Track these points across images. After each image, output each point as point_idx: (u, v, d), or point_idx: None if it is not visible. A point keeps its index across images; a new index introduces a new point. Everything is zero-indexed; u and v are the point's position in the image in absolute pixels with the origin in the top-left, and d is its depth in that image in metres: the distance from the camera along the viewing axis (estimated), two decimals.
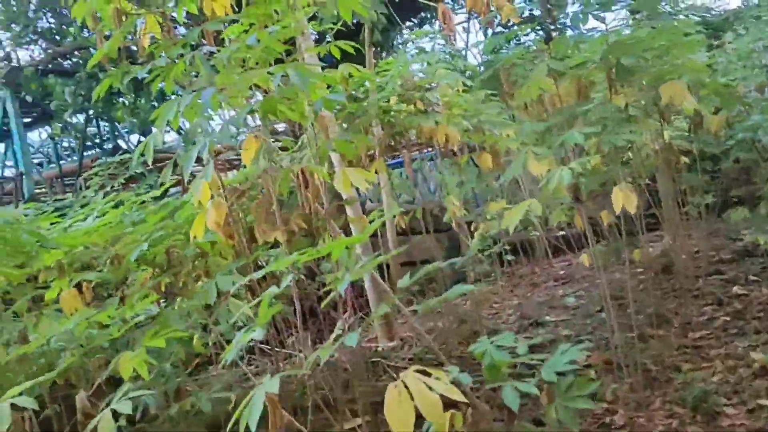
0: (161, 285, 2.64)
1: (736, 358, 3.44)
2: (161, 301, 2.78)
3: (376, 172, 4.14)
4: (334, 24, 4.27)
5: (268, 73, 1.87)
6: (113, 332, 2.26)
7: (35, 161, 11.77)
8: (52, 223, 3.09)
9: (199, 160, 2.33)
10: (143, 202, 3.03)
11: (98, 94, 2.07)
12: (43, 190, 9.03)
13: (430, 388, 1.39)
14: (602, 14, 2.48)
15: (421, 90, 3.37)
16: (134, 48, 2.68)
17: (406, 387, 1.41)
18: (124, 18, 2.06)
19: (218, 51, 1.84)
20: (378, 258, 1.71)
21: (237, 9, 2.37)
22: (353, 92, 3.43)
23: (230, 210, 2.10)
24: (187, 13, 2.95)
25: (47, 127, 9.46)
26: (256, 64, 1.84)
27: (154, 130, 2.52)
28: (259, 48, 1.78)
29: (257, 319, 1.45)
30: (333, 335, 3.08)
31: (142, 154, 2.04)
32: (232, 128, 2.23)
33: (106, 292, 3.46)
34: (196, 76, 2.21)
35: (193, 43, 2.11)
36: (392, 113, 3.40)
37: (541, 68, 2.47)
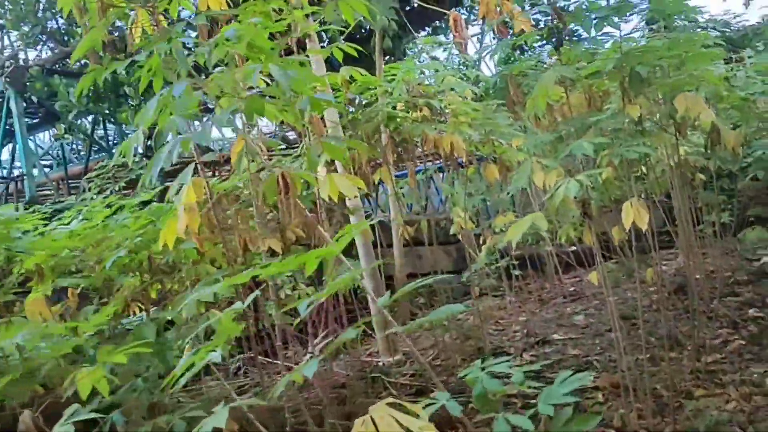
0: (149, 293, 2.54)
1: (752, 385, 3.28)
2: (148, 310, 2.68)
3: (380, 182, 4.03)
4: (345, 28, 4.18)
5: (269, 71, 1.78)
6: (62, 347, 2.11)
7: (45, 163, 11.75)
8: (44, 225, 3.00)
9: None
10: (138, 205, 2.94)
11: (80, 91, 1.98)
12: (50, 192, 9.00)
13: (402, 425, 1.26)
14: (617, 20, 2.35)
15: (427, 97, 3.26)
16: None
17: (373, 423, 1.28)
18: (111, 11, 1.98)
19: (197, 46, 1.73)
20: (351, 273, 1.59)
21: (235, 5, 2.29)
22: (358, 97, 3.33)
23: (217, 216, 1.99)
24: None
25: (54, 129, 9.44)
26: (247, 60, 1.74)
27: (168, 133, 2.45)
28: (244, 44, 1.67)
29: (215, 339, 1.32)
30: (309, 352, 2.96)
31: (123, 156, 1.95)
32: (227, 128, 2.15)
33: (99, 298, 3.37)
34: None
35: (185, 40, 2.01)
36: (398, 120, 3.29)
37: (549, 75, 2.36)
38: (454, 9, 4.74)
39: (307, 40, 3.79)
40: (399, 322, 5.97)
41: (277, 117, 2.02)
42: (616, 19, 2.39)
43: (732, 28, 6.59)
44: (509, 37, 3.64)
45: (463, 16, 10.66)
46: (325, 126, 3.59)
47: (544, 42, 5.71)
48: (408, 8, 7.68)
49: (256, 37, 1.63)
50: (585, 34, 2.95)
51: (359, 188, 4.54)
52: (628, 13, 2.30)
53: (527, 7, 7.41)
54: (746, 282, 5.28)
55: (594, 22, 2.29)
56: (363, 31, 7.05)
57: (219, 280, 2.32)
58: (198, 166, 2.06)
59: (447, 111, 3.51)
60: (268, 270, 1.21)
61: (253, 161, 2.13)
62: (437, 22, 8.62)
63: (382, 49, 5.81)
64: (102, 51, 2.05)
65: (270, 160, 3.78)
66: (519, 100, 2.67)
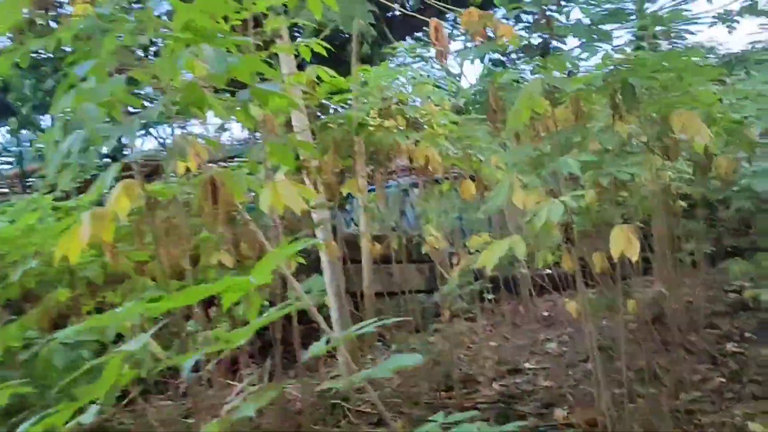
0: (79, 307, 2.26)
1: (733, 429, 3.07)
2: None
3: (349, 196, 3.78)
4: (321, 29, 3.95)
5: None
6: None
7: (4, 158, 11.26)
8: None
9: None
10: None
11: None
12: (6, 190, 8.57)
13: None
14: (608, 30, 2.15)
15: (402, 104, 3.03)
16: None
17: None
18: None
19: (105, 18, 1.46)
20: (283, 309, 1.34)
21: None
22: (325, 102, 3.09)
23: (152, 225, 1.73)
24: None
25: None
26: (188, 46, 1.49)
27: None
28: (179, 23, 1.42)
29: (94, 387, 1.02)
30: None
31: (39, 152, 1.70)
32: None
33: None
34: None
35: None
36: (369, 128, 3.05)
37: (535, 84, 2.14)
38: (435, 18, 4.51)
39: (278, 40, 3.55)
40: (365, 344, 5.70)
41: (226, 114, 1.77)
42: (607, 27, 2.18)
43: (717, 53, 6.50)
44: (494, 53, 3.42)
45: (447, 31, 10.49)
46: (291, 131, 3.34)
47: (526, 56, 5.54)
48: (390, 15, 7.48)
49: (196, 15, 1.37)
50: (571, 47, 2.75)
51: (330, 200, 4.30)
52: (623, 22, 2.10)
53: (511, 22, 7.26)
54: (724, 314, 5.12)
55: (585, 28, 2.08)
56: (341, 35, 6.82)
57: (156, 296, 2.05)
58: (134, 166, 1.79)
59: (423, 121, 3.28)
60: (158, 306, 0.95)
61: (199, 167, 1.87)
62: (420, 32, 8.44)
63: (359, 56, 5.58)
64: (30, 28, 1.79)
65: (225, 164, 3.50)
66: (500, 112, 2.46)
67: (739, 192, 4.64)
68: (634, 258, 1.97)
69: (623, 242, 1.93)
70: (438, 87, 4.70)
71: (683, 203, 5.12)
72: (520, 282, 6.09)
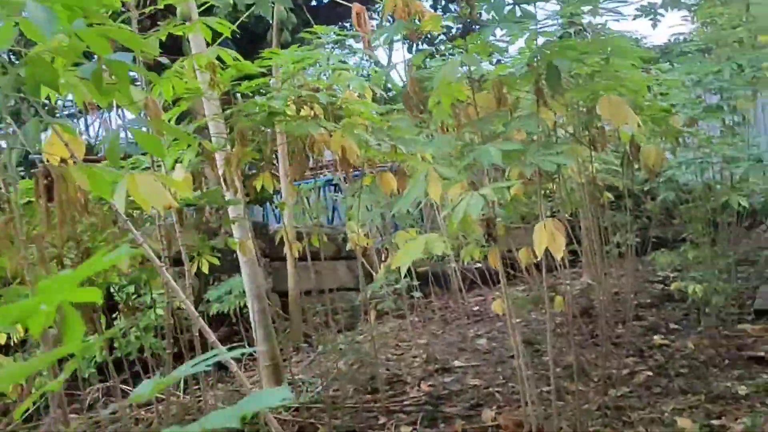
0: None
1: (662, 425, 3.01)
2: None
3: (268, 191, 3.53)
4: (234, 13, 3.67)
5: None
6: None
7: None
8: None
9: None
10: None
11: None
12: None
13: None
14: (532, 9, 1.98)
15: (315, 91, 2.80)
16: None
17: None
18: None
19: None
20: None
21: None
22: (230, 88, 2.83)
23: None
24: None
25: None
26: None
27: None
28: None
29: None
30: None
31: None
32: None
33: None
34: None
35: None
36: (280, 118, 2.81)
37: (451, 66, 1.95)
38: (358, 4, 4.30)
39: (189, 22, 3.27)
40: (291, 345, 5.45)
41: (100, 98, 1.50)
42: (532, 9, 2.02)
43: (641, 46, 6.55)
44: (418, 43, 3.22)
45: (374, 21, 10.27)
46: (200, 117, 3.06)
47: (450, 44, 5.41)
48: (314, 4, 7.22)
49: None
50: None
51: (247, 195, 4.01)
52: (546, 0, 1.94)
53: (440, 11, 7.14)
54: (650, 305, 5.14)
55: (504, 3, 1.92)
56: (263, 24, 6.53)
57: None
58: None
59: (341, 111, 3.06)
60: None
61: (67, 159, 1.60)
62: (348, 21, 8.21)
63: (280, 44, 5.32)
64: None
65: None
66: (417, 99, 2.27)
67: (664, 183, 4.64)
68: (559, 255, 1.82)
69: (547, 238, 1.78)
70: (363, 77, 4.50)
71: (610, 195, 5.11)
72: (450, 277, 5.96)
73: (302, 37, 3.70)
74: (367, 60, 8.35)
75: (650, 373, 3.63)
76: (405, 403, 3.73)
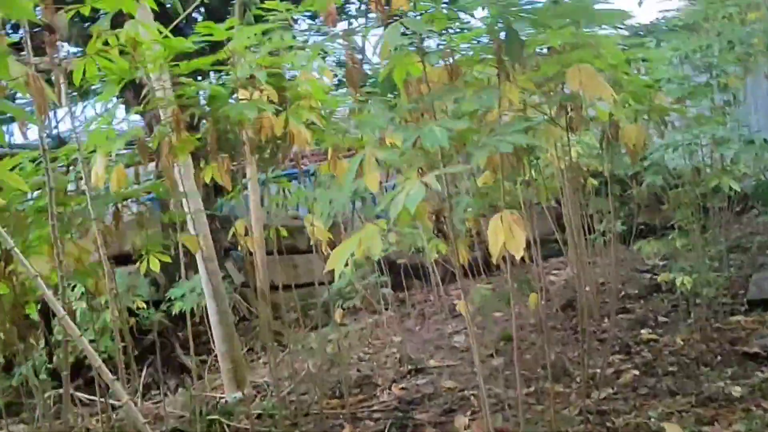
0: None
1: (648, 431, 2.75)
2: None
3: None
4: None
5: None
6: None
7: None
8: None
9: None
10: None
11: None
12: None
13: None
14: None
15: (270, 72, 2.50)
16: None
17: None
18: None
19: None
20: None
21: None
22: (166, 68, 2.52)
23: None
24: None
25: None
26: None
27: None
28: None
29: None
30: None
31: None
32: None
33: None
34: None
35: None
36: (222, 100, 2.51)
37: (392, 31, 1.65)
38: None
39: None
40: (259, 346, 5.17)
41: None
42: None
43: (625, 24, 6.26)
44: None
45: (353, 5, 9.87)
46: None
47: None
48: None
49: None
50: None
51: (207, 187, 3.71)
52: None
53: None
54: (637, 297, 4.88)
55: None
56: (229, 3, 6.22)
57: None
58: None
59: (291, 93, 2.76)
60: None
61: None
62: None
63: (244, 22, 4.99)
64: None
65: None
66: (356, 74, 1.97)
67: (651, 167, 4.37)
68: (519, 254, 1.54)
69: (504, 234, 1.50)
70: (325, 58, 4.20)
71: (594, 181, 4.84)
72: (428, 270, 5.68)
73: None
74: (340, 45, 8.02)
75: (637, 372, 3.37)
76: (374, 408, 3.47)
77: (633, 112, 2.65)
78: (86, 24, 5.07)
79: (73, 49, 5.90)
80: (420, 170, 1.67)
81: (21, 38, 2.35)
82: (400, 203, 1.39)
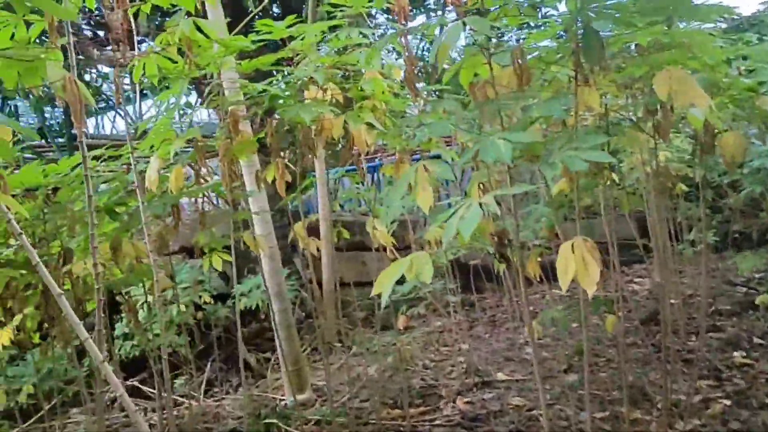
0: None
1: None
2: None
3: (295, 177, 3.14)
4: None
5: None
6: None
7: None
8: None
9: None
10: None
11: None
12: None
13: None
14: None
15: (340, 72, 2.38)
16: None
17: None
18: None
19: None
20: None
21: None
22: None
23: None
24: None
25: None
26: None
27: None
28: None
29: None
30: None
31: None
32: None
33: None
34: None
35: None
36: (281, 101, 2.41)
37: (453, 31, 1.46)
38: None
39: None
40: (323, 347, 5.10)
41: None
42: None
43: (725, 17, 5.79)
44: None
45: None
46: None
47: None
48: None
49: None
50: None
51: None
52: None
53: None
54: (730, 313, 4.49)
55: None
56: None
57: None
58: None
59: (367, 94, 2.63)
60: None
61: None
62: None
63: (316, 17, 4.91)
64: None
65: None
66: (412, 75, 1.81)
67: (750, 174, 3.98)
68: (591, 290, 1.34)
69: (576, 265, 1.31)
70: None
71: (684, 186, 4.48)
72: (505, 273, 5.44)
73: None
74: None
75: (728, 402, 3.06)
76: (436, 422, 3.31)
77: (731, 116, 2.36)
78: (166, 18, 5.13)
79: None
80: (481, 186, 1.50)
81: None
82: (453, 227, 1.23)
